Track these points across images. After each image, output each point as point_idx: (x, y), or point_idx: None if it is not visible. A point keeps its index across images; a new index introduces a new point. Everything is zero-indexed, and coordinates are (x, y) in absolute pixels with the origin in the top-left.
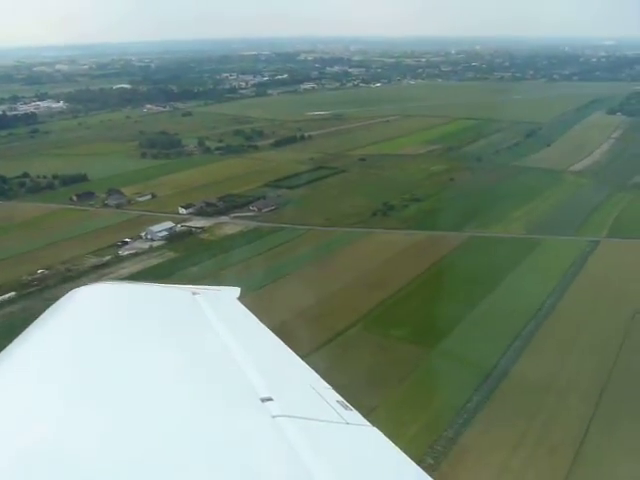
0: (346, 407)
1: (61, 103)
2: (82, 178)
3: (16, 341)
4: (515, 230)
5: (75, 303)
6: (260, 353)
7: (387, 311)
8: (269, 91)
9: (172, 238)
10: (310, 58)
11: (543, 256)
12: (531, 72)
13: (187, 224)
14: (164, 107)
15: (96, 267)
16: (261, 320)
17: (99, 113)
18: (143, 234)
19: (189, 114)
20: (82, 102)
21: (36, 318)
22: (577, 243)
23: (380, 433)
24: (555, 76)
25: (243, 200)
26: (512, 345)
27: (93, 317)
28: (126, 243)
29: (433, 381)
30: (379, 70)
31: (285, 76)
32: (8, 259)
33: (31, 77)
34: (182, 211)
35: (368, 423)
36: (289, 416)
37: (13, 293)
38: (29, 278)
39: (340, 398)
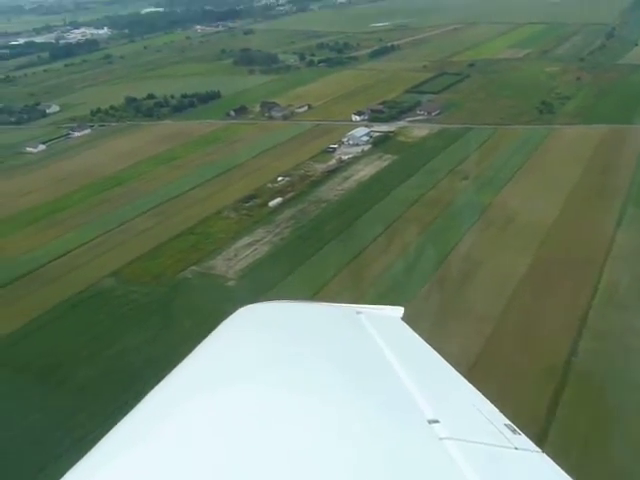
0: (514, 431)
1: (105, 29)
2: (216, 95)
3: (190, 357)
4: None
5: (243, 322)
6: (426, 374)
7: None
8: (311, 6)
9: (375, 142)
10: None
11: None
12: None
13: (375, 129)
14: (216, 27)
15: (331, 172)
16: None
17: (153, 37)
18: (345, 140)
19: (251, 32)
20: (125, 27)
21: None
22: None
23: (550, 460)
24: None
25: (402, 106)
26: None
27: (261, 336)
28: (334, 149)
29: None
30: None
31: None
32: (233, 169)
33: (41, 7)
34: (355, 118)
35: (538, 449)
36: (456, 439)
37: (280, 199)
38: (276, 185)
39: (508, 421)
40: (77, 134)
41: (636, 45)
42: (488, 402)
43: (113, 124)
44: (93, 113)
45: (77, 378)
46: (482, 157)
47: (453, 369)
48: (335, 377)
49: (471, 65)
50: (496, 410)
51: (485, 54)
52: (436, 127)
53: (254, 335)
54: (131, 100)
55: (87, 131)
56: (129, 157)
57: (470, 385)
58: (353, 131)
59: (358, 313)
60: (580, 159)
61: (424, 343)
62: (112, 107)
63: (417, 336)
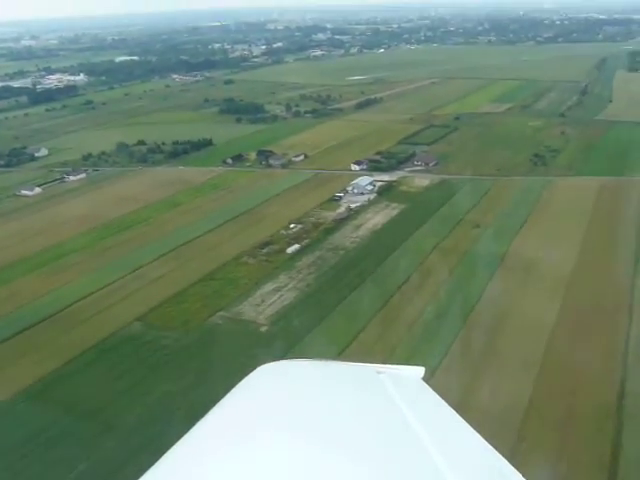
0: None
1: (82, 76)
2: (208, 143)
3: (209, 415)
4: None
5: (262, 380)
6: (449, 438)
7: None
8: (285, 59)
9: (379, 191)
10: (280, 27)
11: None
12: (511, 35)
13: (377, 178)
14: (194, 76)
15: (342, 220)
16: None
17: (130, 84)
18: (349, 188)
19: (230, 82)
20: (102, 74)
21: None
22: None
23: None
24: (538, 39)
25: (398, 157)
26: None
27: (280, 395)
28: (340, 197)
29: None
30: (364, 37)
31: (280, 44)
32: (242, 216)
33: (11, 53)
34: (354, 167)
35: None
36: None
37: (297, 245)
38: (290, 232)
39: None
40: (72, 178)
41: (610, 102)
42: (515, 471)
43: (107, 169)
44: (85, 158)
45: (119, 425)
46: (488, 207)
47: (477, 434)
48: (355, 440)
49: (457, 118)
50: (519, 474)
51: (467, 108)
52: (436, 178)
53: (273, 394)
54: (122, 146)
55: (82, 175)
56: (131, 202)
57: (495, 451)
58: (357, 180)
59: (378, 373)
60: (583, 209)
61: (446, 405)
62: (104, 152)
63: (439, 398)
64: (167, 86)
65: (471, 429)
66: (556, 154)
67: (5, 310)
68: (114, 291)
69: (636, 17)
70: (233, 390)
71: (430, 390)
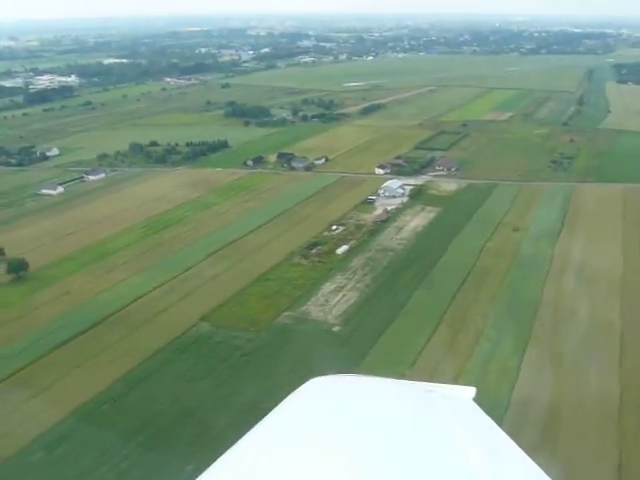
0: None
1: (73, 77)
2: (223, 145)
3: (258, 426)
4: None
5: (311, 394)
6: (497, 461)
7: None
8: (276, 64)
9: (411, 195)
10: (262, 33)
11: None
12: (493, 46)
13: (405, 182)
14: (188, 80)
15: (382, 222)
16: None
17: (125, 86)
18: (381, 192)
19: (227, 86)
20: (93, 76)
21: None
22: None
23: None
24: (522, 50)
25: (419, 162)
26: None
27: (328, 408)
28: (373, 200)
29: None
30: (348, 44)
31: (267, 50)
32: (281, 217)
33: None
34: (379, 171)
35: None
36: None
37: (346, 246)
38: (333, 233)
39: None
40: (92, 178)
41: (609, 112)
42: None
43: (126, 169)
44: (100, 157)
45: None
46: (522, 211)
47: (528, 457)
48: (400, 459)
49: (464, 125)
50: None
51: (471, 115)
52: (462, 182)
53: (321, 408)
54: (136, 146)
55: (102, 175)
56: (161, 202)
57: (544, 474)
58: (388, 183)
59: (429, 392)
60: (615, 213)
61: (497, 427)
62: (118, 152)
63: (490, 419)
64: (164, 89)
65: (522, 452)
66: (571, 161)
67: (63, 309)
68: (170, 291)
69: (609, 31)
70: (283, 402)
71: (481, 411)
